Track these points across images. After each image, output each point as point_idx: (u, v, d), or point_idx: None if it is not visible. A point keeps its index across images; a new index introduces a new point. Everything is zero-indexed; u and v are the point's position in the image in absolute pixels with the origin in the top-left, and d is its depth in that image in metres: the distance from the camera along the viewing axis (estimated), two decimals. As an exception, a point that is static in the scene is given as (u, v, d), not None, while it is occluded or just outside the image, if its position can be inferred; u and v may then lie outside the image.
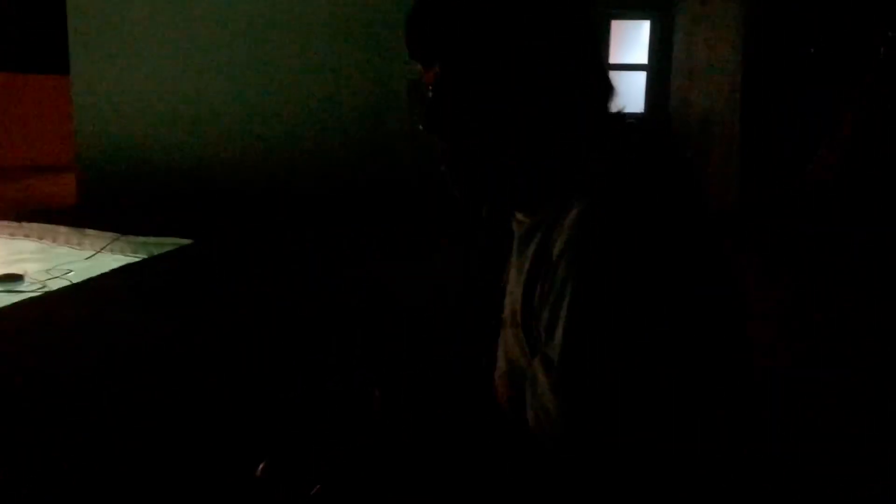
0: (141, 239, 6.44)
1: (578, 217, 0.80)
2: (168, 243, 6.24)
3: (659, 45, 8.42)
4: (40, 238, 7.08)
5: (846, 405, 2.92)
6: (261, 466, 1.07)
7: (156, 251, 6.11)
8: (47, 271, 5.59)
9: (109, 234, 6.57)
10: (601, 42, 8.84)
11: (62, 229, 7.01)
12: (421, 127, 0.91)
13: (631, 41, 8.57)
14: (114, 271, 5.38)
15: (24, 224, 7.24)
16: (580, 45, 0.90)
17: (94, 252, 6.39)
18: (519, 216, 0.96)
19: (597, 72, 0.92)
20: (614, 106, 0.94)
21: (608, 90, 0.93)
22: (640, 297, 0.76)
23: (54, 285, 5.15)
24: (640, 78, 8.52)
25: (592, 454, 0.76)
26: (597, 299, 0.77)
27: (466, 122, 0.90)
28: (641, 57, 8.56)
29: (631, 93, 8.30)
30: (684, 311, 0.77)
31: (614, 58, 8.44)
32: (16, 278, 5.28)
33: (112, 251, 6.38)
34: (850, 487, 2.18)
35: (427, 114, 0.91)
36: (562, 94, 0.88)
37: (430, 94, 0.91)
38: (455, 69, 0.89)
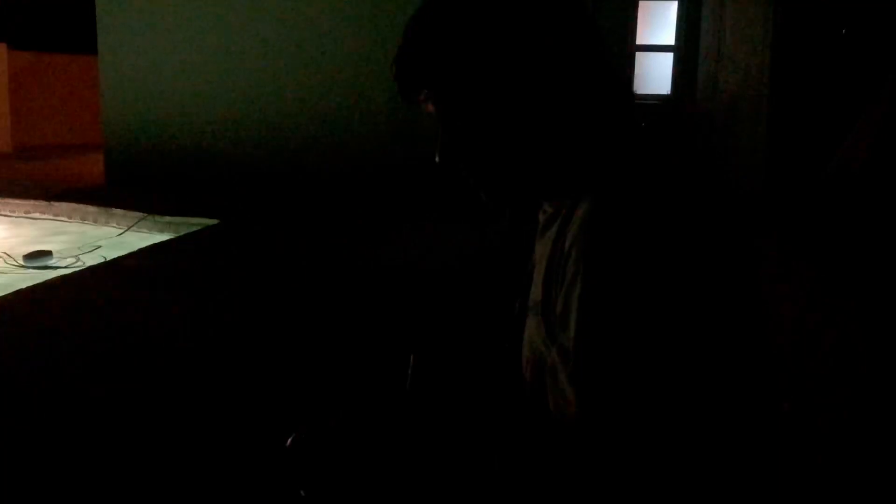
0: (168, 218, 6.51)
1: (589, 209, 0.82)
2: (194, 223, 6.31)
3: (687, 26, 8.31)
4: (69, 217, 7.18)
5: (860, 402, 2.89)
6: (290, 438, 1.10)
7: (182, 231, 6.17)
8: (78, 248, 5.69)
9: (137, 214, 6.65)
10: (627, 23, 8.70)
11: (90, 208, 7.11)
12: (437, 159, 0.93)
13: (658, 22, 8.47)
14: (142, 250, 5.45)
15: (54, 203, 7.34)
16: (577, 46, 0.90)
17: (122, 230, 6.48)
18: (545, 205, 0.98)
19: (600, 66, 0.91)
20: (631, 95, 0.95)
21: (617, 82, 0.93)
22: (650, 289, 0.77)
23: (85, 262, 5.24)
24: (668, 59, 8.42)
25: (609, 442, 0.78)
26: (607, 291, 0.78)
27: (479, 146, 0.91)
28: (669, 38, 8.45)
29: (658, 75, 8.21)
30: (693, 303, 0.78)
31: (641, 39, 8.35)
32: (45, 255, 5.37)
33: (139, 230, 6.46)
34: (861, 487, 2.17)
35: (441, 151, 0.92)
36: (566, 97, 0.88)
37: (439, 129, 0.92)
38: (454, 101, 0.90)
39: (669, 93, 8.29)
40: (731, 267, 0.83)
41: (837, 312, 4.06)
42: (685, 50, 8.32)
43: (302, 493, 0.95)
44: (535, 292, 0.93)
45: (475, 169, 0.93)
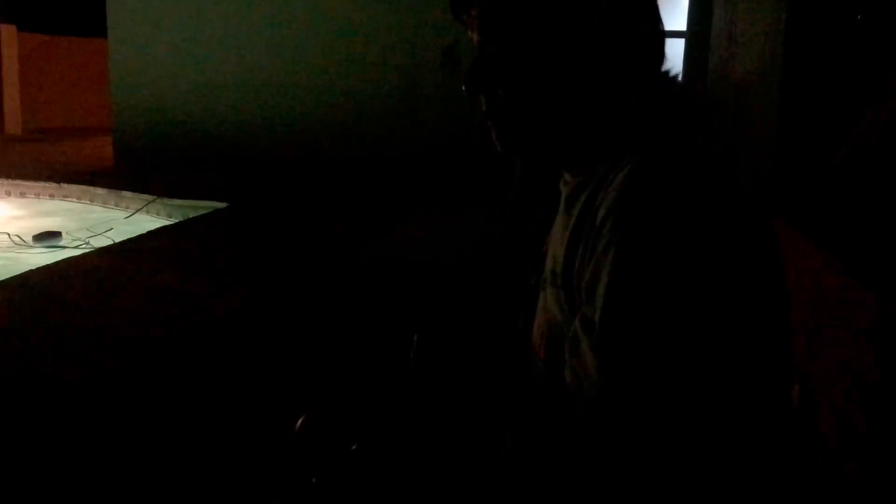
0: (177, 201, 6.52)
1: (625, 179, 0.80)
2: (203, 206, 6.32)
3: (698, 11, 8.24)
4: (78, 199, 7.21)
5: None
6: (299, 422, 1.10)
7: (191, 214, 6.19)
8: (87, 229, 5.71)
9: (146, 196, 6.67)
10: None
11: (100, 191, 7.13)
12: (464, 88, 0.91)
13: (670, 7, 8.40)
14: (150, 232, 5.46)
15: (63, 185, 7.36)
16: (640, 8, 0.90)
17: (131, 213, 6.50)
18: (566, 176, 0.96)
19: (652, 34, 0.91)
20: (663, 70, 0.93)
21: (661, 54, 0.92)
22: (684, 263, 0.75)
23: (93, 244, 5.26)
24: (679, 45, 8.36)
25: (627, 415, 0.76)
26: (640, 262, 0.76)
27: (512, 83, 0.89)
28: (680, 23, 8.39)
29: (669, 60, 8.16)
30: (726, 281, 0.77)
31: (652, 24, 8.30)
32: (54, 235, 5.39)
33: (149, 213, 6.48)
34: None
35: (469, 77, 0.90)
36: (613, 56, 0.87)
37: (475, 56, 0.91)
38: (500, 30, 0.88)
39: (681, 78, 8.23)
40: (758, 247, 0.83)
41: (843, 303, 4.03)
42: (697, 35, 8.25)
43: (313, 479, 0.95)
44: (555, 264, 0.91)
45: (498, 105, 0.90)
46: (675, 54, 8.43)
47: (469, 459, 0.88)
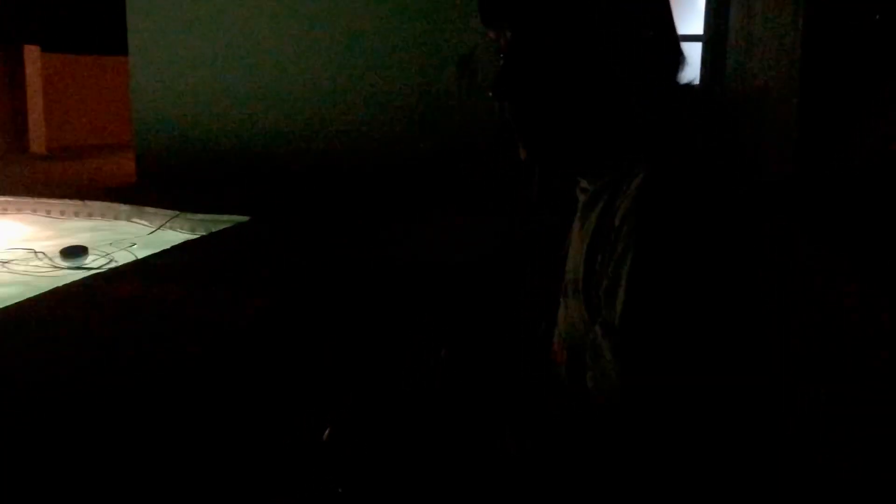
0: (199, 216, 6.58)
1: (641, 184, 0.81)
2: (225, 220, 6.38)
3: (715, 14, 8.22)
4: (102, 215, 7.29)
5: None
6: (326, 432, 1.11)
7: (214, 228, 6.24)
8: (110, 244, 5.78)
9: (168, 212, 6.73)
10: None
11: (123, 207, 7.21)
12: (490, 94, 0.92)
13: (686, 11, 8.38)
14: (174, 247, 5.51)
15: (87, 202, 7.46)
16: (656, 14, 0.91)
17: (154, 228, 6.57)
18: (583, 183, 0.97)
19: (670, 41, 0.92)
20: (683, 76, 0.94)
21: (679, 59, 0.93)
22: (701, 267, 0.77)
23: (118, 260, 5.32)
24: (696, 49, 8.33)
25: (648, 419, 0.77)
26: (657, 266, 0.78)
27: (538, 88, 0.90)
28: (697, 27, 8.36)
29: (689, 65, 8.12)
30: (740, 284, 0.78)
31: (669, 28, 8.27)
32: (81, 251, 5.46)
33: (171, 228, 6.55)
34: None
35: (498, 80, 0.91)
36: (634, 62, 0.88)
37: (503, 60, 0.92)
38: (530, 33, 0.89)
39: (699, 82, 8.20)
40: (758, 248, 0.84)
41: (870, 306, 4.00)
42: (714, 39, 8.23)
43: (339, 489, 0.96)
44: (574, 271, 0.92)
45: (524, 111, 0.91)
46: (691, 58, 8.40)
47: (487, 464, 0.89)
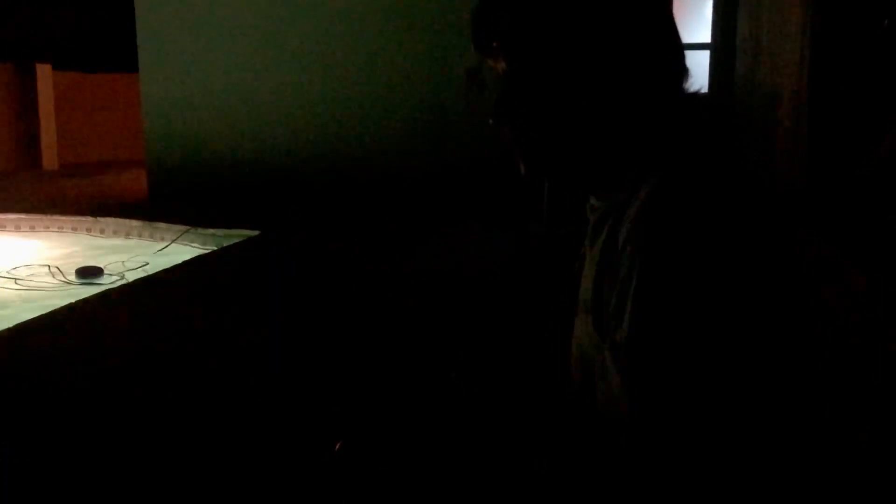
0: (210, 231, 6.62)
1: (645, 202, 0.81)
2: (236, 234, 6.41)
3: (722, 22, 8.21)
4: (114, 232, 7.34)
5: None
6: (338, 445, 1.11)
7: (225, 242, 6.27)
8: (123, 263, 5.81)
9: (180, 227, 6.77)
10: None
11: (135, 223, 7.26)
12: (491, 121, 0.93)
13: (694, 19, 8.38)
14: (186, 263, 5.54)
15: (100, 219, 7.51)
16: (653, 29, 0.90)
17: (166, 244, 6.60)
18: (593, 202, 0.97)
19: (671, 53, 0.91)
20: (688, 86, 0.93)
21: (681, 71, 0.92)
22: (706, 286, 0.76)
23: (131, 277, 5.35)
24: (704, 57, 8.32)
25: (658, 439, 0.77)
26: (663, 286, 0.77)
27: (536, 111, 0.91)
28: (705, 35, 8.36)
29: (694, 72, 8.10)
30: (751, 299, 0.77)
31: (676, 37, 8.26)
32: (96, 271, 5.50)
33: (183, 243, 6.58)
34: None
35: (496, 107, 0.92)
36: (634, 80, 0.88)
37: (501, 86, 0.92)
38: (524, 60, 0.90)
39: (706, 90, 8.19)
40: (781, 264, 0.82)
41: (885, 319, 3.96)
42: (721, 46, 8.22)
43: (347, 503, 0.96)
44: (585, 291, 0.92)
45: (525, 132, 0.92)
46: (699, 66, 8.39)
47: (501, 481, 0.89)
